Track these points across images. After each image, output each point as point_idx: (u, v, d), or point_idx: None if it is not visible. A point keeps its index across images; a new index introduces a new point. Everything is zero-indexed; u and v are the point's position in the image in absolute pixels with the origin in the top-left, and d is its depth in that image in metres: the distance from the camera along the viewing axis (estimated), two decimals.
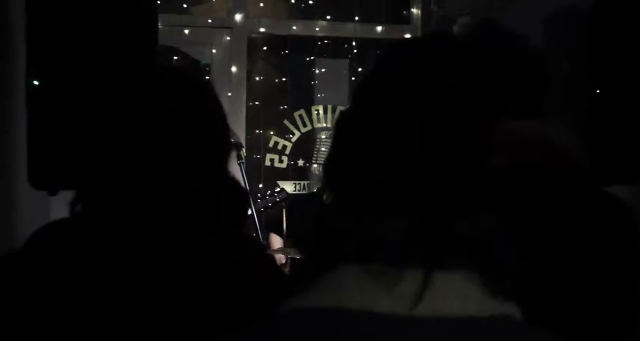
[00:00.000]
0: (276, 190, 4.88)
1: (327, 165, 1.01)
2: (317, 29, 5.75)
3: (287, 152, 5.82)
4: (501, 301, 0.89)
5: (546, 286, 1.26)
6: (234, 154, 3.89)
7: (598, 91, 2.60)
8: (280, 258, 4.60)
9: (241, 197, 1.52)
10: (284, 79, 5.79)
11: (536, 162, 1.45)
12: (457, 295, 0.87)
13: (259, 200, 4.66)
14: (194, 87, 1.47)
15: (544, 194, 1.42)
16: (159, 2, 2.39)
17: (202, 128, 1.43)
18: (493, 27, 1.55)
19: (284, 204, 4.68)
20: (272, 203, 4.62)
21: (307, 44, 5.80)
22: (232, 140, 3.84)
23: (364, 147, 0.94)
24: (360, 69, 5.83)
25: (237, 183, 1.51)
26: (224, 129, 1.49)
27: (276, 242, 4.78)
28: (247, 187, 3.73)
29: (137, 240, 1.33)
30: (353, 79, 5.89)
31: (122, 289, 1.30)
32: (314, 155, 5.88)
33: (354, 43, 5.80)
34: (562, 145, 1.49)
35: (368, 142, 0.94)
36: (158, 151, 1.36)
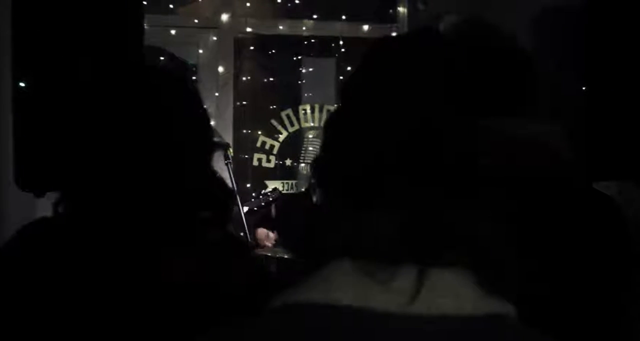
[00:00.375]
0: (269, 190, 4.87)
1: (316, 162, 1.01)
2: (304, 28, 5.75)
3: (275, 151, 5.82)
4: (496, 300, 0.89)
5: (539, 285, 1.26)
6: (221, 154, 3.89)
7: (585, 88, 2.60)
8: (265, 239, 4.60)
9: (226, 195, 1.52)
10: (271, 79, 5.78)
11: (525, 160, 1.45)
12: (451, 293, 0.87)
13: (252, 200, 4.65)
14: (176, 86, 1.48)
15: (534, 193, 1.42)
16: (145, 2, 2.38)
17: (185, 127, 1.43)
18: (481, 24, 1.55)
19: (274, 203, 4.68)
20: (265, 203, 4.60)
21: (293, 43, 5.79)
22: (218, 139, 3.84)
23: (353, 144, 0.94)
24: (347, 68, 5.82)
25: (222, 181, 1.52)
26: (207, 128, 1.50)
27: (263, 234, 4.75)
28: (235, 187, 3.72)
29: (120, 238, 1.33)
30: (340, 77, 5.89)
31: (105, 287, 1.30)
32: (302, 155, 5.87)
33: (340, 42, 5.80)
34: (551, 143, 1.49)
35: (356, 139, 0.94)
36: (141, 151, 1.37)
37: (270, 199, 4.62)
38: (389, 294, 0.86)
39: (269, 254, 4.47)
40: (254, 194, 4.84)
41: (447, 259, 0.88)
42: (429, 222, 0.88)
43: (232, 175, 3.81)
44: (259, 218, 4.95)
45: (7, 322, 1.32)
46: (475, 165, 0.94)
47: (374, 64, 1.02)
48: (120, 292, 1.30)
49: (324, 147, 1.00)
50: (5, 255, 1.39)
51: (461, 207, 0.91)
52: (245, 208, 4.14)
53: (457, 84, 0.97)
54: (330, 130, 1.00)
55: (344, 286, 0.87)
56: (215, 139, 3.82)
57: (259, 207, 4.56)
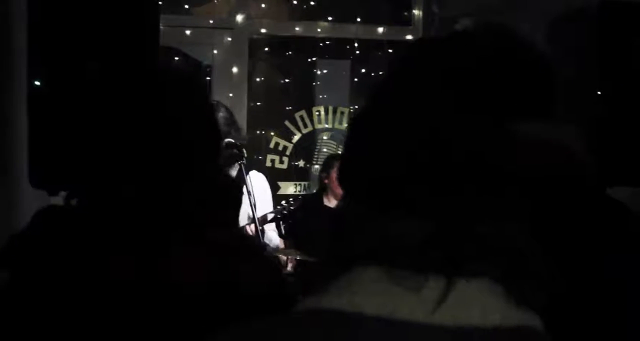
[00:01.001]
0: (291, 200, 4.79)
1: (343, 166, 1.00)
2: (319, 30, 5.75)
3: (288, 152, 5.82)
4: (523, 311, 0.87)
5: (561, 296, 1.25)
6: (234, 154, 3.90)
7: (600, 93, 2.59)
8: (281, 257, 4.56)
9: (235, 194, 1.52)
10: (285, 80, 5.79)
11: (542, 164, 1.44)
12: (478, 304, 0.85)
13: (278, 206, 4.61)
14: (186, 87, 1.49)
15: (547, 198, 1.41)
16: (160, 2, 2.39)
17: (195, 127, 1.44)
18: (499, 28, 1.55)
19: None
20: (287, 211, 4.54)
21: (308, 45, 5.80)
22: (234, 140, 3.84)
23: (381, 148, 0.93)
24: (362, 70, 5.82)
25: (231, 181, 1.52)
26: (215, 128, 1.51)
27: (279, 243, 4.74)
28: (250, 188, 3.72)
29: (129, 237, 1.34)
30: (355, 80, 5.89)
31: (116, 286, 1.30)
32: (315, 156, 5.88)
33: (355, 44, 5.81)
34: (567, 148, 1.49)
35: (385, 143, 0.93)
36: (152, 150, 1.38)
37: (292, 208, 4.57)
38: (415, 304, 0.84)
39: (283, 255, 4.47)
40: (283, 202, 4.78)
41: (474, 269, 0.87)
42: (458, 230, 0.87)
43: (245, 176, 3.81)
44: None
45: (24, 306, 1.33)
46: (504, 171, 0.93)
47: (407, 67, 1.02)
48: (128, 292, 1.30)
49: (349, 147, 0.99)
50: (22, 237, 1.41)
51: (491, 215, 0.90)
52: (270, 216, 4.15)
53: (486, 89, 0.96)
54: (357, 130, 0.99)
55: (370, 294, 0.86)
56: (230, 140, 3.84)
57: (283, 215, 4.52)
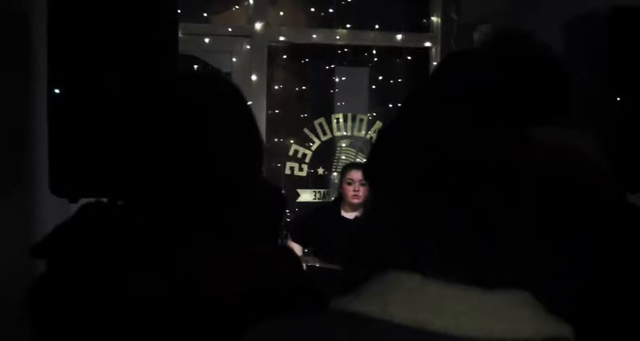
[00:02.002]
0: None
1: (372, 174, 1.00)
2: (337, 37, 5.75)
3: (307, 160, 5.82)
4: (554, 322, 0.87)
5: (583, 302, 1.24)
6: None
7: (619, 98, 2.58)
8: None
9: (278, 201, 1.50)
10: (304, 87, 5.80)
11: (568, 173, 1.44)
12: (509, 316, 0.85)
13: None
14: (218, 93, 1.45)
15: (565, 203, 1.41)
16: (179, 11, 2.40)
17: (232, 133, 1.40)
18: (520, 36, 1.54)
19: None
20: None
21: (327, 52, 5.80)
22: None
23: (412, 155, 0.93)
24: (380, 77, 5.82)
25: (275, 187, 1.50)
26: (255, 133, 1.46)
27: (296, 249, 4.76)
28: None
29: (170, 247, 1.33)
30: (373, 87, 5.89)
31: (151, 295, 1.30)
32: (334, 164, 5.88)
33: (374, 51, 5.81)
34: (590, 155, 1.48)
35: (415, 150, 0.93)
36: (184, 158, 1.35)
37: None
38: (448, 315, 0.84)
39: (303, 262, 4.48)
40: None
41: (506, 280, 0.86)
42: (486, 240, 0.87)
43: None
44: (289, 230, 4.95)
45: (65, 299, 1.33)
46: (527, 179, 0.93)
47: (438, 78, 1.02)
48: (163, 302, 1.30)
49: (376, 156, 0.99)
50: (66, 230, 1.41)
51: (520, 224, 0.89)
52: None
53: (507, 98, 0.97)
54: (386, 139, 0.99)
55: (403, 302, 0.85)
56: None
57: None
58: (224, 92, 1.46)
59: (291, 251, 1.58)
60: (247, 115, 1.46)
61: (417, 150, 0.93)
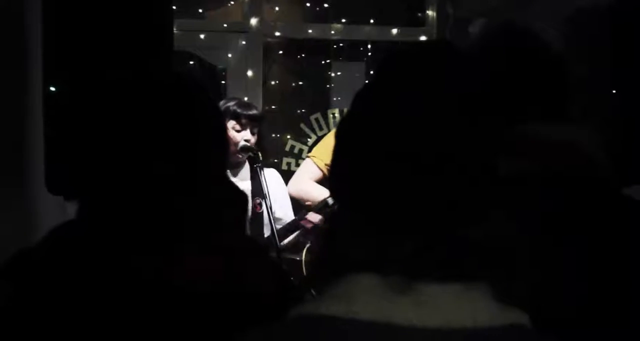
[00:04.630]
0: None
1: (333, 172, 1.00)
2: (333, 32, 5.75)
3: (304, 155, 5.82)
4: (513, 311, 0.90)
5: (565, 292, 1.25)
6: (250, 158, 3.91)
7: (616, 91, 2.58)
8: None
9: (241, 198, 1.54)
10: (300, 83, 5.79)
11: (558, 164, 1.44)
12: (470, 306, 0.88)
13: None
14: (187, 91, 1.50)
15: (564, 196, 1.41)
16: (174, 7, 2.40)
17: (203, 133, 1.46)
18: (513, 27, 1.54)
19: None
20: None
21: (322, 47, 5.79)
22: (249, 144, 3.83)
23: (372, 152, 0.94)
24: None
25: (235, 187, 1.54)
26: (222, 133, 1.54)
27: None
28: (267, 191, 3.72)
29: (137, 242, 1.35)
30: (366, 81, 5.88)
31: (123, 290, 1.31)
32: None
33: (369, 46, 5.80)
34: (583, 146, 1.48)
35: (376, 146, 0.93)
36: (160, 155, 1.40)
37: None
38: (409, 308, 0.86)
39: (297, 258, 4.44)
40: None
41: (464, 273, 0.88)
42: (453, 233, 0.88)
43: (262, 179, 3.81)
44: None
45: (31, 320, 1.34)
46: (503, 172, 0.94)
47: (396, 71, 1.02)
48: (132, 298, 1.31)
49: (337, 153, 1.00)
50: (37, 253, 1.42)
51: (487, 217, 0.91)
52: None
53: (490, 89, 0.96)
54: (345, 137, 0.99)
55: (365, 300, 0.88)
56: (246, 144, 3.84)
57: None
58: (188, 91, 1.50)
59: (256, 241, 1.62)
60: (209, 113, 1.52)
61: (383, 152, 0.93)
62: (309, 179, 4.35)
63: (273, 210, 3.69)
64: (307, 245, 4.43)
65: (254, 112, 4.01)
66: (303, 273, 4.38)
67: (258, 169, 3.82)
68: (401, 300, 0.87)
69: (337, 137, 1.01)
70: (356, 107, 1.00)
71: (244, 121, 3.89)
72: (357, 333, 0.86)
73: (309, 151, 5.74)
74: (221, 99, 4.24)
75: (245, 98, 5.43)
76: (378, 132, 0.94)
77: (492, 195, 0.93)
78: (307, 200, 4.34)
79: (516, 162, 0.99)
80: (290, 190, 4.50)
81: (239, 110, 3.89)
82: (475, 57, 1.05)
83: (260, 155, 3.88)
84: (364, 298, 0.88)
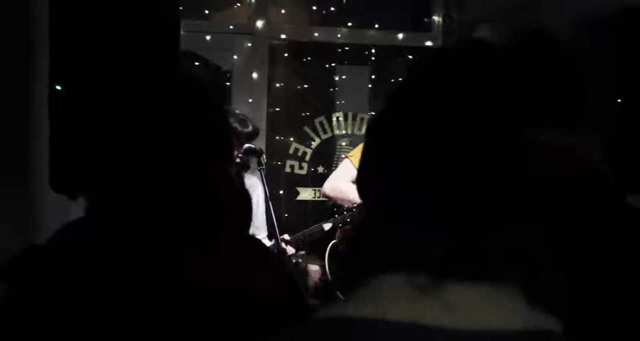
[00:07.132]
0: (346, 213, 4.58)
1: (362, 172, 1.00)
2: (338, 35, 5.75)
3: (307, 158, 5.82)
4: (543, 315, 0.88)
5: (582, 300, 1.24)
6: (254, 160, 3.91)
7: (621, 100, 2.58)
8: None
9: (244, 200, 1.53)
10: (304, 86, 5.79)
11: (568, 174, 1.43)
12: (500, 309, 0.86)
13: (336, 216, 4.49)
14: (192, 92, 1.50)
15: (567, 204, 1.41)
16: (180, 8, 2.40)
17: (207, 135, 1.47)
18: (542, 31, 1.54)
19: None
20: (342, 222, 4.37)
21: (327, 50, 5.79)
22: (253, 146, 3.84)
23: (401, 158, 0.93)
24: (381, 76, 5.81)
25: (241, 189, 1.54)
26: (227, 135, 1.53)
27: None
28: (268, 193, 3.73)
29: (142, 243, 1.35)
30: (374, 86, 5.88)
31: (127, 291, 1.31)
32: (334, 162, 5.87)
33: (374, 50, 5.80)
34: (590, 156, 1.48)
35: (405, 152, 0.93)
36: (164, 156, 1.40)
37: (347, 220, 4.37)
38: (439, 309, 0.85)
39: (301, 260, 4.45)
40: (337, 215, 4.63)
41: (497, 274, 0.87)
42: (480, 236, 0.88)
43: (264, 181, 3.82)
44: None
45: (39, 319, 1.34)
46: (525, 179, 0.93)
47: (423, 76, 1.01)
48: (133, 299, 1.31)
49: (367, 156, 0.99)
50: (42, 253, 1.42)
51: (512, 221, 0.90)
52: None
53: (507, 96, 0.96)
54: (375, 139, 0.99)
55: (394, 301, 0.87)
56: (250, 146, 3.85)
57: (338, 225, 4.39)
58: (193, 92, 1.50)
59: (260, 242, 1.62)
60: (214, 113, 1.52)
61: (414, 155, 0.92)
62: (345, 180, 4.34)
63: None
64: (332, 242, 4.40)
65: (250, 129, 4.03)
66: (327, 274, 4.33)
67: (261, 172, 3.83)
68: (431, 301, 0.85)
69: (368, 136, 1.00)
70: (390, 106, 0.99)
71: (241, 139, 3.91)
72: (387, 334, 0.85)
73: (313, 154, 5.75)
74: (225, 101, 4.25)
75: (250, 100, 5.44)
76: (411, 132, 0.93)
77: (522, 199, 0.92)
78: (343, 200, 4.32)
79: (530, 170, 0.98)
80: (326, 190, 4.48)
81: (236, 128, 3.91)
82: (509, 59, 1.04)
83: (264, 157, 3.89)
84: (393, 299, 0.87)
